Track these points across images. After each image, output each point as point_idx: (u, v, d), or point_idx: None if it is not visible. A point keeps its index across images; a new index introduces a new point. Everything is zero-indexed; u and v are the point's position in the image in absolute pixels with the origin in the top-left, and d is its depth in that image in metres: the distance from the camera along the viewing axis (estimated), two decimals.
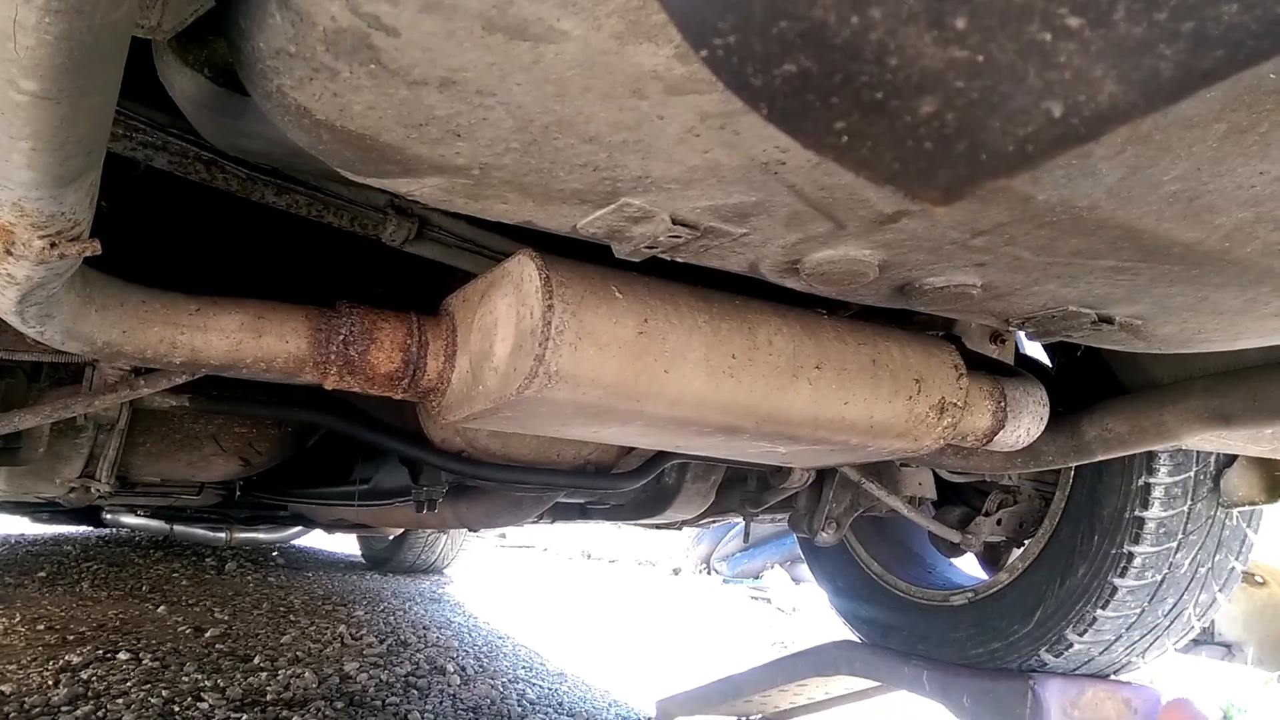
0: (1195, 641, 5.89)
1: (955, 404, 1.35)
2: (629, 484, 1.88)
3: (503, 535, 9.45)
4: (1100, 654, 2.07)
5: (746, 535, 2.66)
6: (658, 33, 0.52)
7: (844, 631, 2.74)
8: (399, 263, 1.53)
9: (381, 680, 3.16)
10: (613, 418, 1.20)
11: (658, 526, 3.08)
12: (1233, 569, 2.06)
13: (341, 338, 1.24)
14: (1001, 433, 1.46)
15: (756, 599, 7.02)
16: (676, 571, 8.41)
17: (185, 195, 1.43)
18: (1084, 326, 1.08)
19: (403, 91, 0.61)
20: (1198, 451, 1.92)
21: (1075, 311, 1.04)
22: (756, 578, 7.53)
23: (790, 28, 0.30)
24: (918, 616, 2.40)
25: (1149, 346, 1.19)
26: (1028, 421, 1.48)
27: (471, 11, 0.51)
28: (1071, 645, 2.04)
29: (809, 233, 0.83)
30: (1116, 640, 2.06)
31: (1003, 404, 1.45)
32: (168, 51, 0.88)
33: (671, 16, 0.34)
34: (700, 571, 8.22)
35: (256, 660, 3.32)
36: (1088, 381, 1.77)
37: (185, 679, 2.98)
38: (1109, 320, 1.06)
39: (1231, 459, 1.96)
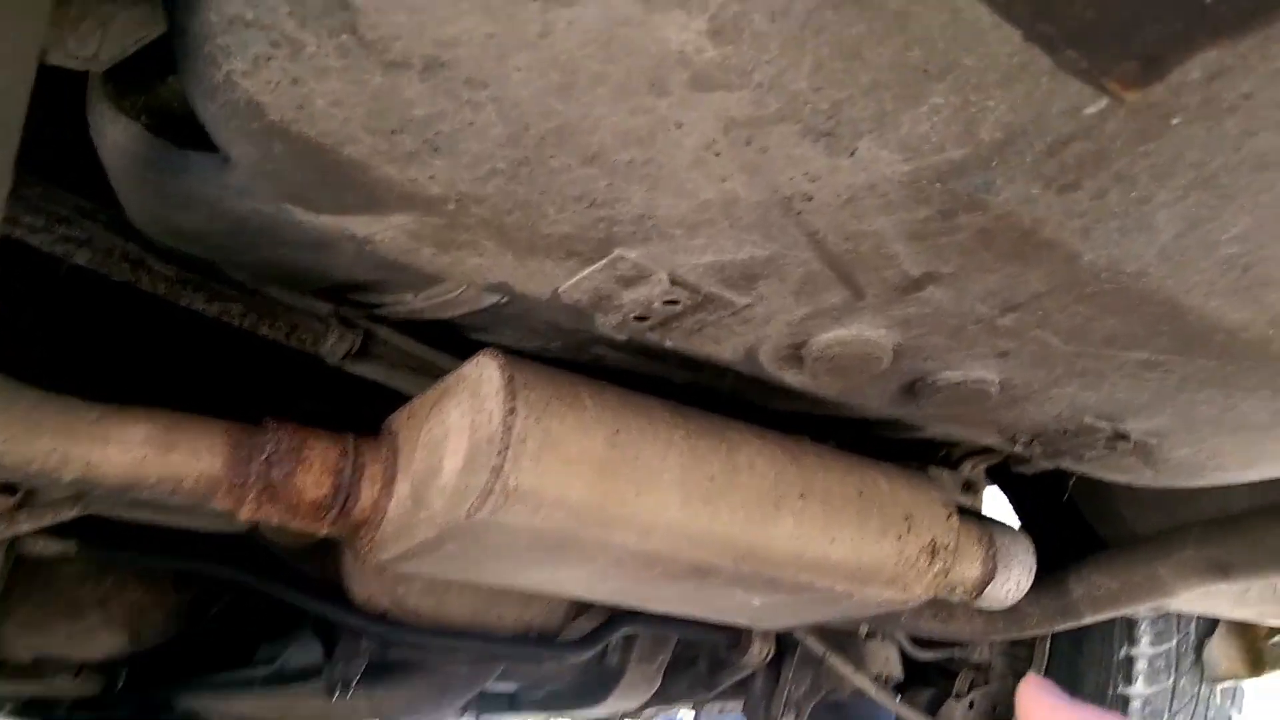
0: None
1: (947, 546, 1.23)
2: (577, 653, 1.67)
3: None
4: None
5: None
6: None
7: None
8: (338, 384, 1.38)
9: None
10: (575, 552, 1.04)
11: None
12: None
13: (264, 456, 1.08)
14: (992, 584, 1.33)
15: None
16: None
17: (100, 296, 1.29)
18: (1097, 445, 0.99)
19: (377, 78, 0.52)
20: (1179, 619, 1.82)
21: (1090, 425, 0.95)
22: None
23: None
24: None
25: (1157, 476, 1.10)
26: (1018, 573, 1.36)
27: None
28: None
29: (821, 304, 0.74)
30: None
31: (993, 551, 1.33)
32: (103, 97, 0.78)
33: None
34: None
35: None
36: (1061, 541, 1.67)
37: None
38: (1124, 437, 0.97)
39: (1212, 629, 1.86)
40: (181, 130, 0.79)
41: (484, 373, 0.98)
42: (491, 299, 1.06)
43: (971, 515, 1.39)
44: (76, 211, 1.07)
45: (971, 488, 1.60)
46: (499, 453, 0.92)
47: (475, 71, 0.51)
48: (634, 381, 1.10)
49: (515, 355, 1.00)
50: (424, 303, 1.10)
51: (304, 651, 1.95)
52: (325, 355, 1.24)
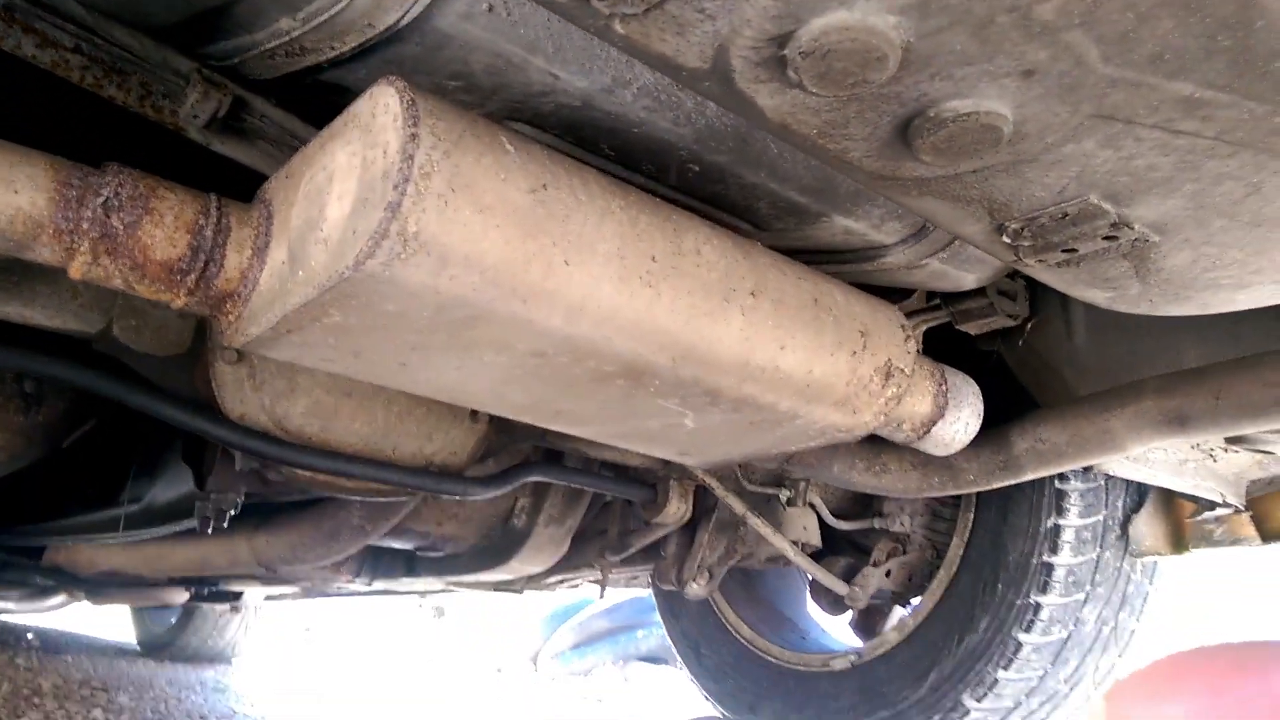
0: None
1: (902, 370, 1.11)
2: (482, 491, 1.52)
3: (308, 629, 8.57)
4: None
5: (603, 590, 2.31)
6: None
7: (703, 709, 2.41)
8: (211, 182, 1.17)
9: None
10: (487, 332, 0.88)
11: (498, 586, 2.68)
12: (1133, 631, 1.89)
13: (102, 200, 0.87)
14: (940, 423, 1.22)
15: (586, 699, 6.53)
16: (499, 670, 7.78)
17: None
18: (1096, 235, 0.86)
19: None
20: (1108, 493, 1.77)
21: (1094, 206, 0.82)
22: (586, 676, 7.04)
23: None
24: (794, 685, 2.11)
25: (1142, 293, 0.99)
26: (967, 414, 1.25)
27: None
28: (968, 713, 1.80)
29: None
30: (1015, 708, 1.83)
31: (944, 388, 1.22)
32: None
33: None
34: (527, 670, 7.63)
35: None
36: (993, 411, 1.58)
37: None
38: (1128, 225, 0.84)
39: (1140, 504, 1.82)
40: None
41: (379, 101, 0.79)
42: (389, 17, 0.86)
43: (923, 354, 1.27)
44: None
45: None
46: (395, 187, 0.74)
47: None
48: None
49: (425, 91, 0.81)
50: (303, 27, 0.90)
51: (174, 484, 1.76)
52: (185, 123, 1.02)
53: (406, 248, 0.76)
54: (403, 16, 0.84)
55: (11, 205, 0.84)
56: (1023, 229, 0.87)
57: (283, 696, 4.80)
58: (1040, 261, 0.91)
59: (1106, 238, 0.86)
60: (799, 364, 1.01)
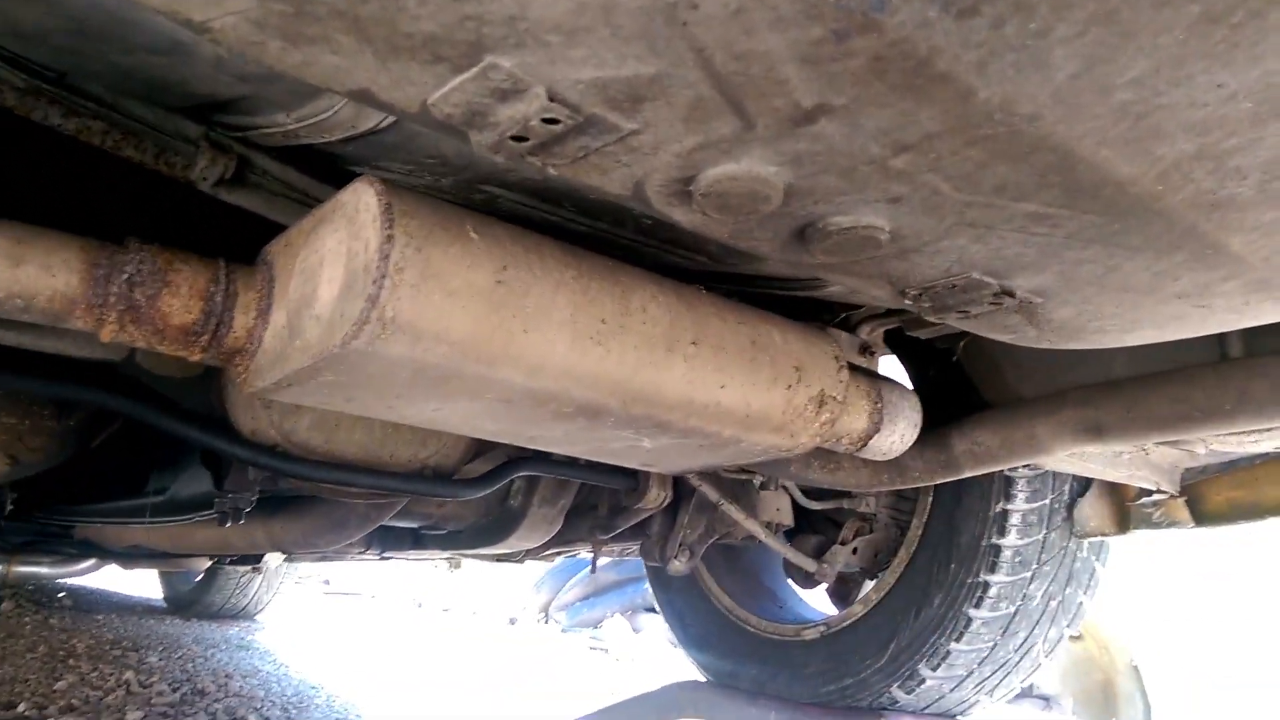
0: (1017, 694, 6.08)
1: (835, 398, 1.24)
2: (472, 492, 1.68)
3: (326, 581, 8.87)
4: (951, 690, 2.00)
5: (594, 566, 2.49)
6: None
7: (690, 673, 2.60)
8: (217, 220, 1.31)
9: None
10: (460, 387, 1.02)
11: (498, 558, 2.86)
12: (1081, 604, 2.04)
13: (126, 277, 1.01)
14: (877, 436, 1.36)
15: (595, 649, 6.80)
16: (513, 621, 8.07)
17: None
18: (983, 301, 0.99)
19: None
20: (1054, 478, 1.91)
21: (978, 280, 0.95)
22: (596, 627, 7.31)
23: None
24: (769, 653, 2.29)
25: (1040, 336, 1.12)
26: (903, 427, 1.39)
27: None
28: (924, 681, 1.96)
29: (710, 135, 0.70)
30: (968, 676, 2.00)
31: (879, 405, 1.36)
32: None
33: None
34: (538, 621, 7.92)
35: (22, 708, 2.87)
36: (949, 405, 1.72)
37: None
38: (1010, 294, 0.97)
39: (1085, 488, 1.96)
40: None
41: (361, 198, 0.93)
42: (369, 122, 0.99)
43: (863, 372, 1.41)
44: None
45: (868, 350, 1.62)
46: (374, 281, 0.88)
47: None
48: (531, 228, 1.06)
49: (401, 187, 0.94)
50: (297, 124, 1.03)
51: (194, 482, 1.92)
52: (197, 180, 1.15)
53: (385, 330, 0.90)
54: (381, 122, 0.97)
55: (50, 287, 0.98)
56: (920, 295, 1.00)
57: (304, 650, 5.04)
58: (941, 318, 1.04)
59: (993, 301, 0.99)
60: (738, 400, 1.15)
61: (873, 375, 1.42)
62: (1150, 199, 0.77)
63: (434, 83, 0.65)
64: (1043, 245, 0.87)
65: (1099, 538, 1.95)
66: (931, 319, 1.05)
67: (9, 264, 0.96)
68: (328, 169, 1.21)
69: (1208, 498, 1.86)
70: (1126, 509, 1.93)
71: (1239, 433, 1.41)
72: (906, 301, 1.02)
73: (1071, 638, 6.17)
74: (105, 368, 1.47)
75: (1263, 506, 1.75)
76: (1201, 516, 1.85)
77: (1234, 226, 0.82)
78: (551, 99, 0.65)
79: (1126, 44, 0.60)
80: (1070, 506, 1.93)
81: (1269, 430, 1.44)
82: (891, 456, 1.43)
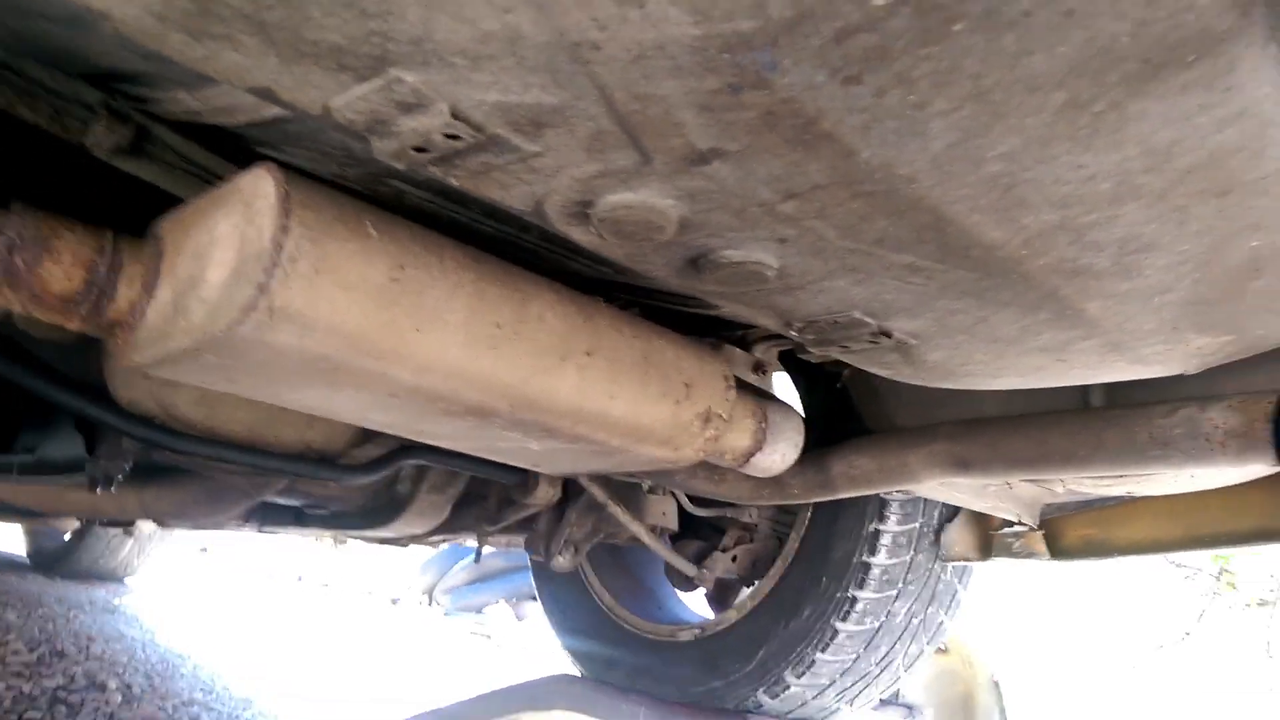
0: (883, 701, 6.31)
1: (720, 415, 1.28)
2: (357, 478, 1.67)
3: (204, 549, 8.59)
4: (814, 698, 2.08)
5: (478, 556, 2.49)
6: None
7: (566, 667, 2.62)
8: (113, 188, 1.26)
9: (22, 692, 2.67)
10: (347, 379, 1.02)
11: (383, 541, 2.83)
12: (941, 623, 2.14)
13: (5, 240, 0.98)
14: (759, 454, 1.41)
15: (477, 634, 6.77)
16: (395, 601, 7.97)
17: None
18: (862, 338, 1.04)
19: None
20: (925, 503, 2.00)
21: (858, 319, 0.99)
22: (479, 612, 7.27)
23: None
24: (643, 651, 2.33)
25: (914, 374, 1.18)
26: (784, 447, 1.44)
27: None
28: (789, 687, 2.03)
29: (609, 165, 0.72)
30: (830, 685, 2.07)
31: (764, 425, 1.40)
32: None
33: None
34: (422, 602, 7.84)
35: None
36: (836, 424, 1.78)
37: None
38: (887, 334, 1.02)
39: (953, 515, 2.05)
40: None
41: (259, 185, 0.91)
42: (274, 111, 0.98)
43: (751, 390, 1.45)
44: None
45: (761, 368, 1.67)
46: (265, 269, 0.87)
47: None
48: (437, 226, 1.06)
49: (303, 175, 0.94)
50: (199, 104, 1.01)
51: (66, 443, 1.85)
52: (92, 147, 1.12)
53: (273, 318, 0.89)
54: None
55: None
56: (805, 327, 1.04)
57: (174, 617, 4.89)
58: (823, 351, 1.09)
59: (871, 340, 1.04)
60: (626, 411, 1.18)
61: (760, 395, 1.46)
62: (1016, 262, 0.82)
63: (337, 89, 0.65)
64: (918, 294, 0.92)
65: (963, 562, 2.05)
66: (814, 351, 1.09)
67: None
68: (231, 147, 1.18)
69: (1064, 534, 1.97)
70: (990, 537, 2.04)
71: (1093, 477, 1.51)
72: (792, 332, 1.06)
73: (938, 651, 6.44)
74: None
75: (1112, 545, 1.87)
76: (1057, 551, 1.97)
77: (1091, 293, 0.88)
78: (454, 116, 0.66)
79: (998, 122, 0.64)
80: (938, 531, 2.03)
81: (1120, 477, 1.54)
82: (773, 474, 1.48)
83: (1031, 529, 1.94)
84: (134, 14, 0.59)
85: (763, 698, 2.04)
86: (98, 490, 1.71)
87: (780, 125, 0.64)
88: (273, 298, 0.88)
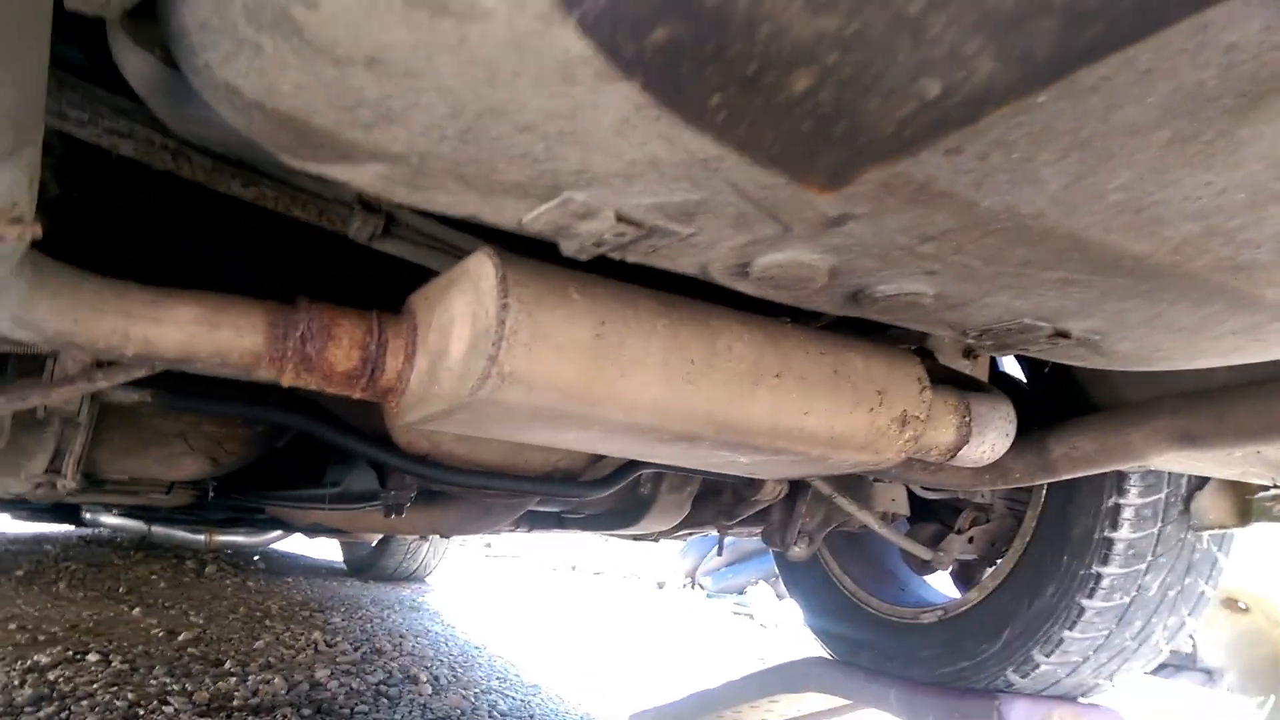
0: (1177, 666, 5.87)
1: (918, 417, 1.34)
2: (598, 492, 1.86)
3: (488, 545, 9.40)
4: (1067, 676, 2.05)
5: (720, 549, 2.64)
6: None
7: (820, 649, 2.72)
8: (370, 258, 1.52)
9: (352, 688, 3.13)
10: (569, 422, 1.19)
11: (634, 537, 3.07)
12: (1202, 593, 2.05)
13: (299, 334, 1.23)
14: (966, 448, 1.45)
15: (739, 614, 6.99)
16: (661, 585, 8.36)
17: (150, 186, 1.42)
18: (1040, 340, 1.07)
19: (330, 70, 0.61)
20: (1169, 473, 1.92)
21: (1031, 324, 1.03)
22: (740, 593, 7.49)
23: None
24: (888, 634, 2.39)
25: (1110, 363, 1.18)
26: (993, 437, 1.47)
27: None
28: (1039, 666, 2.02)
29: (757, 235, 0.82)
30: (1084, 662, 2.04)
31: (967, 419, 1.44)
32: (119, 30, 0.87)
33: None
34: (685, 586, 8.18)
35: (227, 665, 3.29)
36: (1062, 399, 1.76)
37: (153, 682, 2.96)
38: (1065, 334, 1.05)
39: (1203, 482, 1.95)
40: None
41: (482, 269, 1.09)
42: None
43: (954, 385, 1.49)
44: (116, 110, 1.18)
45: (972, 353, 1.69)
46: (494, 343, 1.05)
47: (410, 66, 0.60)
48: (634, 277, 1.20)
49: (512, 252, 1.11)
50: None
51: (363, 478, 2.19)
52: (353, 235, 1.36)
53: (504, 382, 1.07)
54: None
55: (240, 346, 1.21)
56: (980, 335, 1.09)
57: (468, 612, 5.45)
58: (1004, 353, 1.13)
59: (1049, 340, 1.07)
60: (821, 424, 1.27)
61: (964, 388, 1.49)
62: (1170, 267, 0.84)
63: (525, 209, 0.81)
64: (1083, 299, 0.95)
65: (1219, 530, 1.95)
66: (995, 354, 1.13)
67: (209, 329, 1.18)
68: (463, 222, 1.39)
69: None
70: (1247, 502, 1.92)
71: None
72: (969, 340, 1.11)
73: (1237, 609, 5.92)
74: (290, 391, 1.73)
75: None
76: None
77: (1264, 282, 0.88)
78: (619, 219, 0.79)
79: (1105, 163, 0.68)
80: (1187, 500, 1.94)
81: None
82: (984, 464, 1.51)
83: None
84: (368, 179, 0.77)
85: (1013, 677, 2.05)
86: (390, 516, 2.02)
87: (898, 191, 0.72)
88: (501, 365, 1.06)
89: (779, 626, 6.52)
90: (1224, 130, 0.65)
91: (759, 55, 0.31)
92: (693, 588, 7.99)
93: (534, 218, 0.82)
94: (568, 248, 0.87)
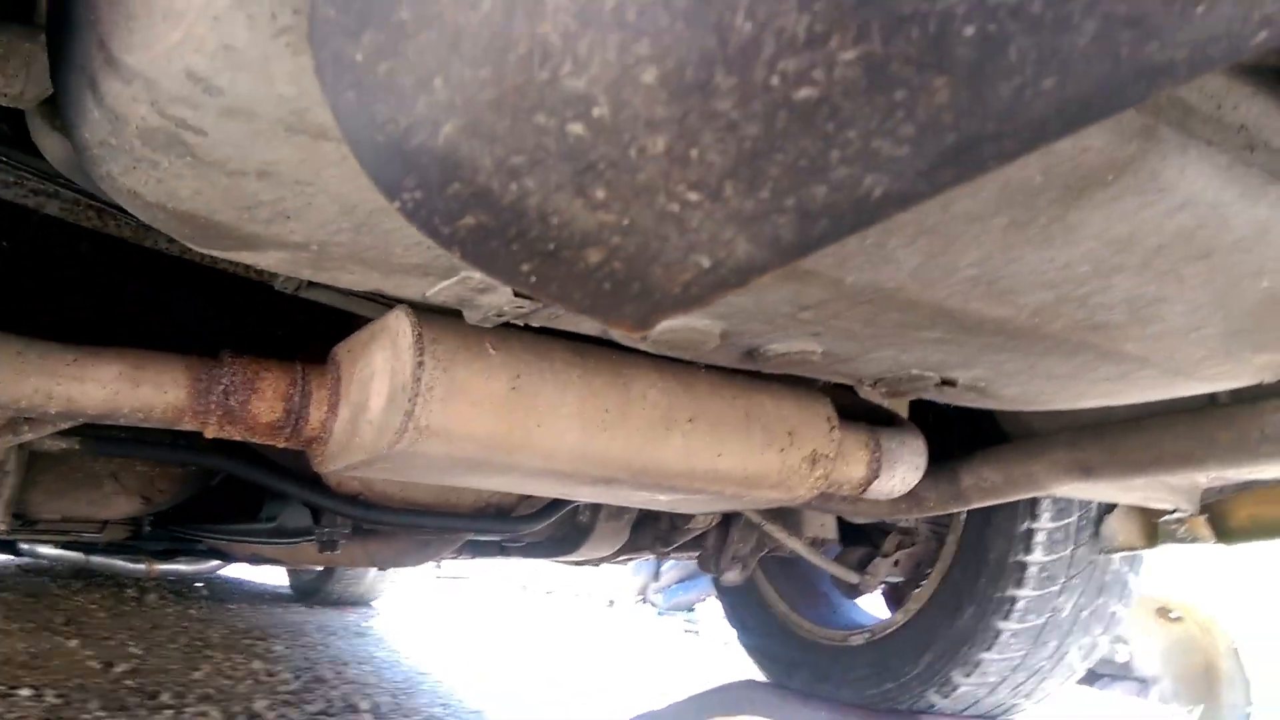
0: (1112, 676, 6.03)
1: (827, 455, 1.40)
2: (530, 526, 1.90)
3: (437, 565, 9.33)
4: (986, 696, 2.13)
5: (657, 574, 2.69)
6: None
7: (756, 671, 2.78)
8: (298, 305, 1.55)
9: (290, 719, 3.11)
10: (490, 469, 1.23)
11: (575, 563, 3.10)
12: (1114, 613, 2.14)
13: (222, 388, 1.25)
14: (876, 482, 1.51)
15: (689, 632, 7.03)
16: (611, 603, 8.38)
17: (82, 237, 1.44)
18: (930, 387, 1.14)
19: (224, 180, 0.65)
20: (1079, 499, 2.01)
21: (919, 374, 1.10)
22: (690, 610, 7.54)
23: (462, 189, 0.34)
24: (820, 656, 2.45)
25: (1000, 405, 1.26)
26: (902, 471, 1.54)
27: (270, 117, 0.54)
28: (958, 687, 2.10)
29: None
30: (1002, 682, 2.12)
31: (878, 454, 1.51)
32: (35, 115, 0.90)
33: (365, 169, 0.37)
34: (637, 603, 8.21)
35: (164, 697, 3.25)
36: (982, 426, 1.84)
37: (86, 717, 2.92)
38: (952, 382, 1.12)
39: (1112, 506, 2.05)
40: None
41: (400, 326, 1.13)
42: None
43: (866, 422, 1.55)
44: (41, 174, 1.20)
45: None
46: (409, 399, 1.09)
47: (299, 177, 0.64)
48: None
49: (427, 311, 1.15)
50: None
51: (298, 514, 2.20)
52: (279, 287, 1.39)
53: (421, 435, 1.11)
54: None
55: (163, 402, 1.23)
56: (875, 384, 1.15)
57: (415, 636, 5.42)
58: (899, 399, 1.19)
59: (939, 387, 1.14)
60: (734, 465, 1.32)
61: (873, 425, 1.56)
62: (1032, 329, 0.91)
63: (427, 285, 0.85)
64: (961, 354, 1.01)
65: (1127, 552, 2.04)
66: (889, 401, 1.20)
67: (131, 385, 1.21)
68: None
69: (1231, 515, 1.92)
70: (1153, 525, 2.01)
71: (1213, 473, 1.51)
72: (865, 388, 1.18)
73: (1171, 619, 6.09)
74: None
75: None
76: (1225, 533, 1.92)
77: (1120, 339, 0.95)
78: (516, 294, 0.84)
79: (952, 245, 0.75)
80: (1098, 523, 2.03)
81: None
82: (895, 496, 1.58)
83: (1193, 515, 1.92)
84: (273, 262, 0.81)
85: (934, 698, 2.12)
86: (325, 552, 2.04)
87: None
88: (418, 420, 1.10)
89: (728, 644, 6.57)
90: (1056, 216, 0.72)
91: (554, 238, 0.36)
92: (644, 605, 8.02)
93: (436, 292, 0.86)
94: (471, 317, 0.91)
